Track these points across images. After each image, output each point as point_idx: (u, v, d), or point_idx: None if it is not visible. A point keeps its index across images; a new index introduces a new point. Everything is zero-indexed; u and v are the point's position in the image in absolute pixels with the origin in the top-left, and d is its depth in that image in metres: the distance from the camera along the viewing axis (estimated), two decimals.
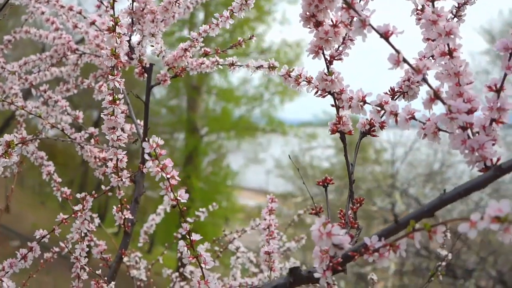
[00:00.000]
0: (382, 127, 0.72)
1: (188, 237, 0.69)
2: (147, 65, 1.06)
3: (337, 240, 0.54)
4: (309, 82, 0.70)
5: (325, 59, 0.65)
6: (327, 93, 0.67)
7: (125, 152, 0.94)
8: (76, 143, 1.06)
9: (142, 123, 1.15)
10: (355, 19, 0.55)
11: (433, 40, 0.60)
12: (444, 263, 1.17)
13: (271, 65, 0.88)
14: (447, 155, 8.06)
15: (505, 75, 0.57)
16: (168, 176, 0.66)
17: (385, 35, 0.55)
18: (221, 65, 1.03)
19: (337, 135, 0.72)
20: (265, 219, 1.03)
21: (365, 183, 7.80)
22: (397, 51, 0.55)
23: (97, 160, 1.07)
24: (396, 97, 0.73)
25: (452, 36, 0.57)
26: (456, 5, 0.76)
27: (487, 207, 0.42)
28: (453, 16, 0.78)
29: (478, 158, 0.54)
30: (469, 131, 0.57)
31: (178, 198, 0.67)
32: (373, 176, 8.03)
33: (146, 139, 0.64)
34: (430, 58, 0.66)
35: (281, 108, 12.25)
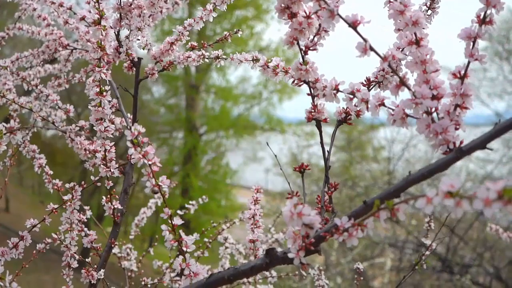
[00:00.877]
0: (358, 116, 0.74)
1: (170, 221, 0.72)
2: (136, 59, 1.08)
3: (308, 219, 0.57)
4: (286, 72, 0.73)
5: (300, 49, 0.68)
6: (302, 82, 0.70)
7: (113, 143, 0.97)
8: (66, 136, 1.08)
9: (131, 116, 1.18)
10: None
11: (401, 30, 0.62)
12: (428, 252, 1.20)
13: (255, 57, 0.91)
14: None
15: (469, 62, 0.59)
16: (150, 162, 0.69)
17: (353, 25, 0.58)
18: (207, 58, 1.06)
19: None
20: (250, 209, 1.06)
21: (363, 181, 7.83)
22: (365, 40, 0.58)
23: (87, 152, 1.10)
24: (371, 86, 0.76)
25: (418, 26, 0.60)
26: None
27: (441, 183, 0.44)
28: (427, 8, 0.81)
29: (441, 142, 0.57)
30: (435, 116, 0.59)
31: (160, 184, 0.70)
32: (371, 173, 8.07)
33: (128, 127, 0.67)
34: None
35: (280, 106, 12.29)
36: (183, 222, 0.74)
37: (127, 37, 1.02)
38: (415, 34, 0.60)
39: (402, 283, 1.21)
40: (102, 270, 0.99)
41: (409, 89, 0.58)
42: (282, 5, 0.64)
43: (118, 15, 1.03)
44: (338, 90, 0.68)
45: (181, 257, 0.72)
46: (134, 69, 1.10)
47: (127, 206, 1.14)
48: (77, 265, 1.02)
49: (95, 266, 1.01)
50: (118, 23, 1.03)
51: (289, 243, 0.61)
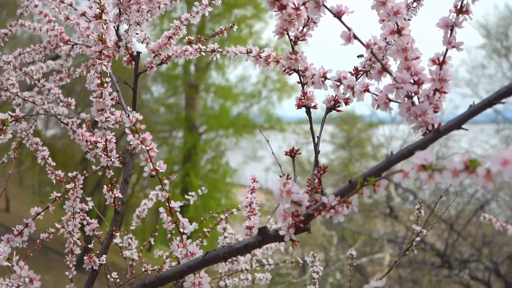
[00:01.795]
0: (346, 103, 0.78)
1: (167, 204, 0.76)
2: (135, 53, 1.12)
3: (296, 197, 0.61)
4: (277, 62, 0.77)
5: (290, 39, 0.72)
6: (292, 71, 0.74)
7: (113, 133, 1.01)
8: (68, 127, 1.12)
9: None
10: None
11: (384, 20, 0.66)
12: (418, 238, 1.23)
13: (249, 50, 0.95)
14: (443, 148, 8.16)
15: (447, 49, 0.63)
16: (148, 148, 0.73)
17: (338, 15, 0.62)
18: (203, 52, 1.10)
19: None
20: (246, 197, 1.10)
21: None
22: (349, 29, 0.62)
23: (89, 143, 1.13)
24: (359, 75, 0.80)
25: (399, 15, 0.64)
26: None
27: (415, 156, 0.48)
28: (412, 1, 0.85)
29: (421, 124, 0.61)
30: (415, 100, 0.63)
31: (157, 168, 0.74)
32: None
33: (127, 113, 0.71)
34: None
35: (279, 105, 12.33)
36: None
37: (126, 31, 1.05)
38: (396, 23, 0.64)
39: (395, 266, 1.25)
40: (104, 256, 1.03)
41: (390, 74, 0.62)
42: None
43: (118, 10, 1.07)
44: (326, 78, 0.72)
45: (178, 238, 0.76)
46: (133, 63, 1.13)
47: (127, 206, 1.17)
48: (80, 251, 1.06)
49: (97, 252, 1.05)
50: (118, 18, 1.07)
51: (279, 221, 0.65)
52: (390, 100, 0.65)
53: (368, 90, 0.67)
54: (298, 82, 0.75)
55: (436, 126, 0.61)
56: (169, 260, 1.37)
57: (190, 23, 1.11)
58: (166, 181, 1.81)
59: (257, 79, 12.50)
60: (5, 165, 1.44)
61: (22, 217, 1.05)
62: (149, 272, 1.25)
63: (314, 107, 0.76)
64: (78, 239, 1.03)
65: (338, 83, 0.71)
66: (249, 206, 1.08)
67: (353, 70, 0.80)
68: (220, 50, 1.06)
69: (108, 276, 1.07)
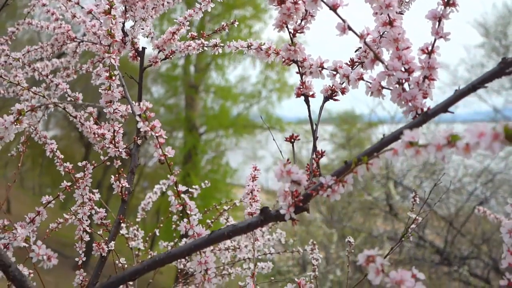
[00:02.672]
0: (343, 93, 0.83)
1: (175, 187, 0.80)
2: (140, 49, 1.17)
3: (296, 177, 0.65)
4: (277, 53, 0.81)
5: (289, 32, 0.77)
6: (291, 62, 0.78)
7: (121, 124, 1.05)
8: (77, 120, 1.17)
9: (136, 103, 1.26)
10: None
11: (377, 13, 0.71)
12: (413, 226, 1.28)
13: (249, 44, 0.99)
14: None
15: (435, 40, 0.68)
16: (157, 134, 0.77)
17: (333, 7, 0.66)
18: (206, 47, 1.14)
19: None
20: (248, 185, 1.14)
21: (363, 178, 7.91)
22: (344, 21, 0.66)
23: (96, 136, 1.18)
24: (355, 66, 0.84)
25: (391, 8, 0.68)
26: None
27: (404, 135, 0.53)
28: None
29: (411, 108, 0.66)
30: (406, 86, 0.68)
31: (166, 153, 0.78)
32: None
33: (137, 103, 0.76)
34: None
35: (279, 105, 12.38)
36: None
37: (132, 27, 1.10)
38: (388, 16, 0.69)
39: (391, 253, 1.29)
40: (113, 242, 1.08)
41: (382, 62, 0.67)
42: None
43: (123, 7, 1.12)
44: (323, 68, 0.77)
45: (185, 219, 0.80)
46: (139, 58, 1.18)
47: (128, 207, 1.21)
48: (89, 238, 1.11)
49: (106, 238, 1.10)
50: (124, 15, 1.12)
51: (280, 200, 0.70)
52: (383, 87, 0.70)
53: (362, 78, 0.72)
54: (297, 72, 0.80)
55: (425, 110, 0.65)
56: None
57: (189, 23, 1.16)
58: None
59: (257, 79, 12.56)
60: (5, 166, 1.48)
61: (23, 218, 1.09)
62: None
63: (312, 95, 0.81)
64: (88, 226, 1.08)
65: (335, 73, 0.75)
66: (250, 193, 1.12)
67: (349, 61, 0.85)
68: (222, 44, 1.11)
69: (116, 261, 1.12)
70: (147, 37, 1.10)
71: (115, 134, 1.05)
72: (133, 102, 1.30)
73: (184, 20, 1.11)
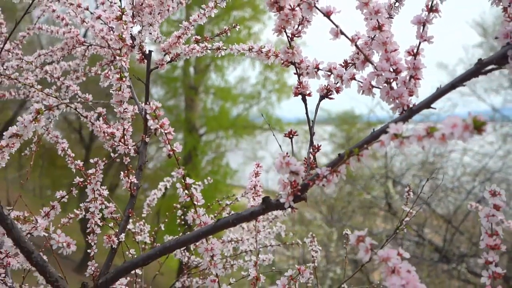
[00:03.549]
0: (337, 91, 0.90)
1: (183, 180, 0.87)
2: (147, 52, 1.24)
3: (294, 167, 0.72)
4: (276, 56, 0.88)
5: (287, 36, 0.83)
6: (290, 63, 0.85)
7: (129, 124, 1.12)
8: (87, 120, 1.24)
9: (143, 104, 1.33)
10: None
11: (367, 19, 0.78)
12: (408, 219, 1.35)
13: (250, 47, 1.06)
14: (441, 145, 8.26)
15: (420, 43, 0.75)
16: (166, 131, 0.84)
17: (327, 14, 0.73)
18: (209, 49, 1.21)
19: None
20: (251, 181, 1.21)
21: (363, 177, 8.01)
22: (336, 26, 0.73)
23: (106, 134, 1.25)
24: (348, 67, 0.91)
25: (380, 14, 0.75)
26: None
27: (390, 127, 0.59)
28: (395, 1, 0.96)
29: (398, 105, 0.72)
30: (394, 85, 0.75)
31: (174, 148, 0.85)
32: (370, 170, 8.24)
33: (148, 102, 0.82)
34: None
35: (279, 106, 12.45)
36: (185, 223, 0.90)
37: (139, 32, 1.17)
38: (377, 21, 0.76)
39: (386, 243, 1.36)
40: (123, 234, 1.14)
41: (372, 64, 0.74)
42: (272, 0, 0.80)
43: (131, 13, 1.18)
44: (318, 69, 0.84)
45: (193, 210, 0.87)
46: (146, 60, 1.25)
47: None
48: (100, 231, 1.17)
49: (116, 231, 1.16)
50: (131, 20, 1.19)
51: (280, 190, 0.76)
52: (373, 86, 0.76)
53: (354, 78, 0.79)
54: (295, 73, 0.86)
55: (410, 106, 0.72)
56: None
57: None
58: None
59: (256, 80, 12.63)
60: (5, 169, 1.55)
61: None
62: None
63: (309, 94, 0.87)
64: (99, 219, 1.14)
65: (329, 73, 0.82)
66: (253, 188, 1.19)
67: (343, 62, 0.91)
68: (225, 48, 1.18)
69: (127, 252, 1.18)
70: (155, 41, 1.17)
71: (125, 132, 1.11)
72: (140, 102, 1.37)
73: (189, 24, 1.18)
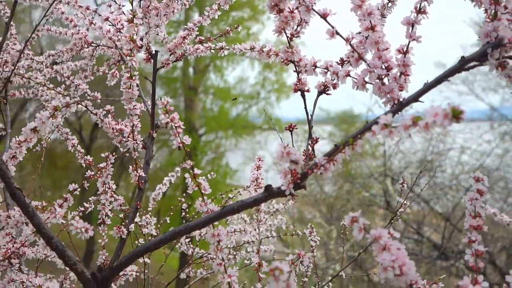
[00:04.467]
0: (334, 88, 0.96)
1: (191, 171, 0.94)
2: (153, 52, 1.30)
3: (294, 157, 0.78)
4: (276, 55, 0.94)
5: (287, 36, 0.90)
6: (289, 62, 0.92)
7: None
8: (97, 116, 1.30)
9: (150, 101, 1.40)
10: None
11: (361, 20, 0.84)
12: (402, 210, 1.41)
13: (252, 47, 1.13)
14: (440, 144, 8.36)
15: (409, 42, 0.81)
16: (176, 125, 0.91)
17: (323, 16, 0.80)
18: (212, 49, 1.28)
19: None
20: (253, 174, 1.27)
21: (362, 176, 8.08)
22: (332, 27, 0.80)
23: (114, 130, 1.31)
24: (344, 64, 0.97)
25: (372, 16, 0.82)
26: None
27: (380, 118, 0.66)
28: (388, 1, 1.03)
29: (389, 99, 0.79)
30: (386, 81, 0.81)
31: (184, 141, 0.92)
32: (369, 169, 8.32)
33: (159, 98, 0.89)
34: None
35: (278, 106, 12.51)
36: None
37: (146, 33, 1.23)
38: (370, 22, 0.82)
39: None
40: (132, 225, 1.21)
41: (365, 61, 0.80)
42: (272, 3, 0.86)
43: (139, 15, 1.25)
44: (316, 66, 0.90)
45: (200, 198, 0.94)
46: (152, 60, 1.31)
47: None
48: (110, 222, 1.24)
49: (126, 221, 1.23)
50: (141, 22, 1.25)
51: (281, 178, 0.83)
52: (366, 82, 0.83)
53: (349, 75, 0.85)
54: (294, 71, 0.93)
55: (400, 100, 0.78)
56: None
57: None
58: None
59: (256, 80, 12.69)
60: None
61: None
62: None
63: (307, 90, 0.94)
64: (110, 210, 1.21)
65: (326, 70, 0.89)
66: (255, 181, 1.26)
67: (339, 60, 0.98)
68: (228, 47, 1.24)
69: (136, 242, 1.25)
70: (162, 41, 1.23)
71: (134, 128, 1.18)
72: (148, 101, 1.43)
73: (194, 26, 1.24)
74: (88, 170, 1.26)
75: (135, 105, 1.12)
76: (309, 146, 0.92)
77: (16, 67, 1.43)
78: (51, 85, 1.34)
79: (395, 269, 0.65)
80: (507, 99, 9.62)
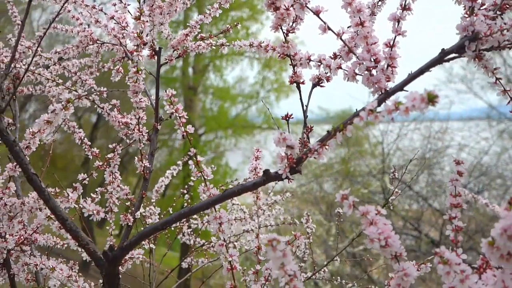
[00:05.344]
0: (327, 80, 1.03)
1: (195, 158, 1.01)
2: (157, 49, 1.37)
3: (290, 142, 0.85)
4: (273, 49, 1.01)
5: (283, 32, 0.97)
6: (285, 56, 0.99)
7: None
8: (104, 110, 1.37)
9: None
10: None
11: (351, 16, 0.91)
12: (394, 197, 1.48)
13: (251, 43, 1.20)
14: (439, 142, 8.45)
15: (395, 36, 0.88)
16: (180, 115, 0.98)
17: (316, 13, 0.87)
18: (214, 46, 1.35)
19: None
20: (252, 164, 1.34)
21: (362, 174, 8.16)
22: (324, 23, 0.87)
23: (120, 124, 1.38)
24: (337, 58, 1.04)
25: (361, 12, 0.89)
26: None
27: (366, 105, 0.73)
28: (378, 0, 1.10)
29: (377, 89, 0.86)
30: (374, 72, 0.88)
31: (187, 130, 0.99)
32: (368, 168, 8.40)
33: (164, 91, 0.96)
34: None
35: (277, 105, 12.58)
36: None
37: (151, 30, 1.30)
38: (359, 18, 0.89)
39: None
40: (138, 212, 1.28)
41: (354, 54, 0.87)
42: (269, 1, 0.93)
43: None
44: (310, 60, 0.97)
45: (203, 184, 1.01)
46: (156, 56, 1.38)
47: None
48: (117, 210, 1.31)
49: (132, 209, 1.30)
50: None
51: (278, 162, 0.90)
52: (356, 74, 0.90)
53: (340, 67, 0.92)
54: (290, 64, 1.00)
55: (388, 89, 0.85)
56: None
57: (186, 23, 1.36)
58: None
59: (255, 80, 12.76)
60: None
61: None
62: (172, 229, 1.49)
63: (302, 82, 1.01)
64: (117, 198, 1.28)
65: (319, 63, 0.96)
66: (254, 170, 1.33)
67: (333, 55, 1.05)
68: (228, 44, 1.31)
69: (142, 228, 1.32)
70: (166, 38, 1.30)
71: (139, 120, 1.25)
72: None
73: (196, 24, 1.31)
74: (96, 161, 1.33)
75: (141, 98, 1.19)
76: (304, 134, 0.99)
77: (29, 64, 1.50)
78: (60, 81, 1.41)
79: (381, 241, 0.72)
80: (506, 97, 9.66)
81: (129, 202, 1.37)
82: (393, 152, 8.39)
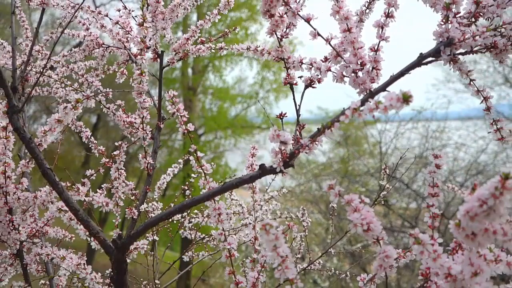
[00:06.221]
0: (319, 82, 1.11)
1: (195, 154, 1.09)
2: (160, 52, 1.45)
3: (283, 138, 0.93)
4: (269, 53, 1.10)
5: (277, 37, 1.05)
6: (280, 59, 1.07)
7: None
8: (109, 110, 1.45)
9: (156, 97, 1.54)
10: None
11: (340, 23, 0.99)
12: (385, 193, 1.56)
13: (248, 46, 1.28)
14: (436, 141, 8.53)
15: (379, 42, 0.96)
16: (181, 114, 1.06)
17: (307, 20, 0.95)
18: (213, 49, 1.43)
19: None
20: (248, 161, 1.42)
21: (361, 174, 8.25)
22: (314, 29, 0.95)
23: (125, 123, 1.46)
24: (328, 61, 1.12)
25: (348, 19, 0.97)
26: (368, 0, 1.16)
27: (351, 104, 0.81)
28: (366, 8, 1.18)
29: (362, 89, 0.94)
30: (360, 74, 0.96)
31: (188, 128, 1.07)
32: (367, 167, 8.48)
33: (164, 94, 1.04)
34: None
35: (277, 105, 12.66)
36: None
37: (154, 34, 1.38)
38: (347, 25, 0.97)
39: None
40: (143, 205, 1.36)
41: (342, 58, 0.95)
42: (264, 9, 1.01)
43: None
44: (302, 63, 1.05)
45: (203, 177, 1.09)
46: (159, 59, 1.46)
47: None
48: (122, 204, 1.38)
49: (137, 203, 1.38)
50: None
51: (272, 157, 0.98)
52: (344, 76, 0.98)
53: (330, 70, 1.00)
54: (284, 67, 1.08)
55: (373, 90, 0.94)
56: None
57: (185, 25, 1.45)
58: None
59: (254, 80, 12.83)
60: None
61: None
62: (174, 222, 1.57)
63: (295, 84, 1.09)
64: (123, 192, 1.36)
65: (311, 66, 1.04)
66: (250, 167, 1.41)
67: (324, 58, 1.13)
68: (227, 47, 1.40)
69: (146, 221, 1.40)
70: (169, 43, 1.38)
71: (143, 119, 1.33)
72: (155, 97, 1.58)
73: (196, 28, 1.39)
74: (98, 160, 1.40)
75: (145, 99, 1.27)
76: (296, 131, 1.07)
77: (43, 67, 1.58)
78: (69, 82, 1.49)
79: (364, 226, 0.80)
80: (504, 97, 9.77)
81: (133, 197, 1.45)
82: (391, 151, 8.48)
